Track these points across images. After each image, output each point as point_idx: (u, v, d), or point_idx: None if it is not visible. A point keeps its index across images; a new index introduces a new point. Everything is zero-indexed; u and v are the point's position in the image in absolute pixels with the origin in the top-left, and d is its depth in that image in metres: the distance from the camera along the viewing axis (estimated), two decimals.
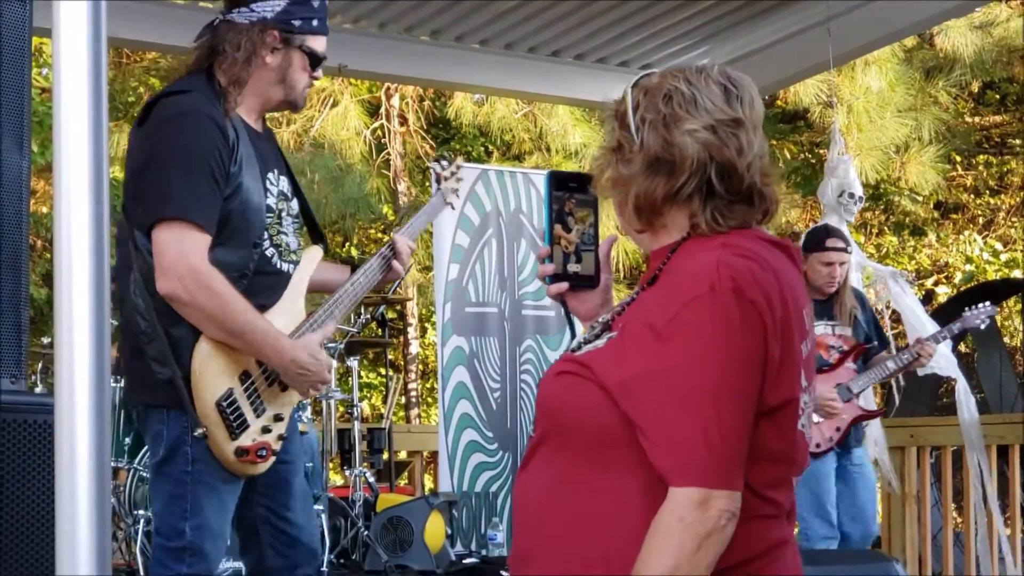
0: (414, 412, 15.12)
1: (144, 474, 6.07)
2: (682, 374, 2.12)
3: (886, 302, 7.63)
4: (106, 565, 1.60)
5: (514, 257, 7.76)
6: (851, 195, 7.35)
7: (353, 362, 7.32)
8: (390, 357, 10.25)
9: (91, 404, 1.60)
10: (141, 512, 6.03)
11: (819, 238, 6.57)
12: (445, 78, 8.03)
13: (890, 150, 13.22)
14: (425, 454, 8.98)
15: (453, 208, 4.74)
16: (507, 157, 14.73)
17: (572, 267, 2.45)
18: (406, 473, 8.93)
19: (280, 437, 3.65)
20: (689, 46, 7.73)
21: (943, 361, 7.11)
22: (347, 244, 15.87)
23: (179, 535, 3.53)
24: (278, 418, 3.66)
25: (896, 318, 8.17)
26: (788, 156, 15.23)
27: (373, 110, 14.40)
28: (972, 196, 16.25)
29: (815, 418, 6.31)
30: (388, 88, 14.14)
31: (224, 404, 3.53)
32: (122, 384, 6.26)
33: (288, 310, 3.70)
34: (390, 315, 8.66)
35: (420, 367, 15.50)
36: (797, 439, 2.24)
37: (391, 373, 8.84)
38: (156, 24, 6.76)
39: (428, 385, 15.81)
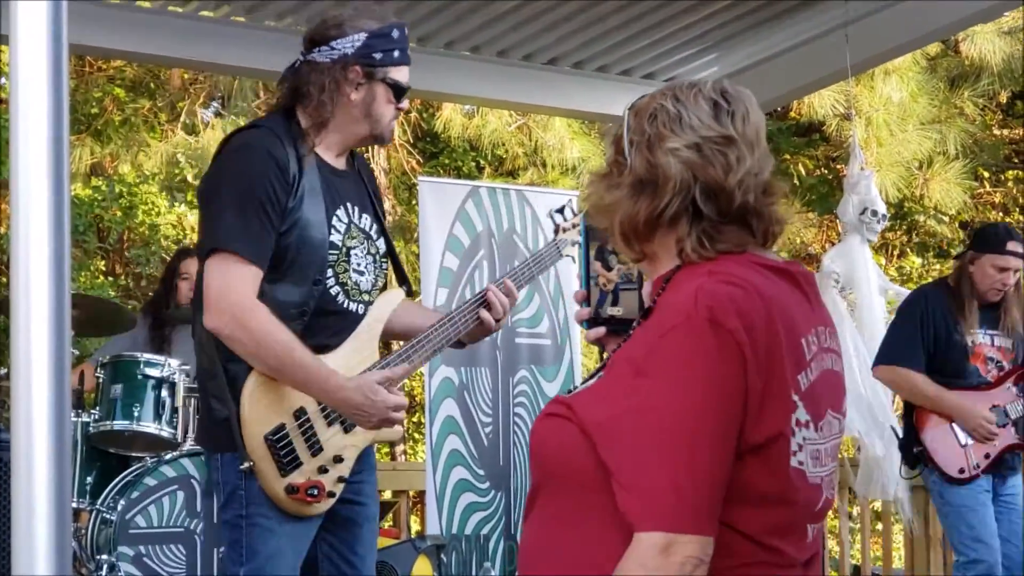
0: (399, 448, 15.09)
1: (107, 516, 6.05)
2: (654, 411, 2.13)
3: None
4: None
5: None
6: (874, 213, 7.35)
7: None
8: None
9: (50, 441, 1.59)
10: (105, 557, 6.01)
11: (998, 238, 6.35)
12: (433, 88, 8.02)
13: (912, 165, 13.25)
14: (412, 494, 8.97)
15: (574, 261, 4.60)
16: (500, 173, 14.75)
17: (611, 310, 2.46)
18: (391, 514, 8.90)
19: (340, 479, 3.82)
20: (696, 53, 7.73)
21: None
22: None
23: None
24: (338, 459, 3.82)
25: None
26: (803, 172, 15.25)
27: None
28: (1001, 214, 16.27)
29: (964, 439, 6.23)
30: None
31: (273, 439, 3.71)
32: (83, 419, 6.26)
33: (358, 351, 3.88)
34: None
35: (407, 399, 15.45)
36: (792, 478, 2.22)
37: None
38: (121, 30, 6.78)
39: (415, 419, 15.78)
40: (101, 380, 6.33)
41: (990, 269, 6.26)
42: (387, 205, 14.48)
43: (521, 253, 7.76)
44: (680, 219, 2.27)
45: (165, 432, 6.14)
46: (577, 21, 7.23)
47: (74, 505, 6.21)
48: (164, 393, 6.18)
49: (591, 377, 2.34)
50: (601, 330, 2.46)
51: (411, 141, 14.61)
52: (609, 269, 2.47)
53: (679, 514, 2.10)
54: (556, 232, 4.52)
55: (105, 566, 5.96)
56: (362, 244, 3.93)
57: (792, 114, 14.53)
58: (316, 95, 3.82)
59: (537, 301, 7.76)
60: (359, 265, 3.91)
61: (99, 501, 6.17)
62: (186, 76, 14.49)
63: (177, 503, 5.95)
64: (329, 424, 3.81)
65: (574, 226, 4.48)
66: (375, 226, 4.00)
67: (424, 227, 7.70)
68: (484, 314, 4.10)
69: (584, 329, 2.49)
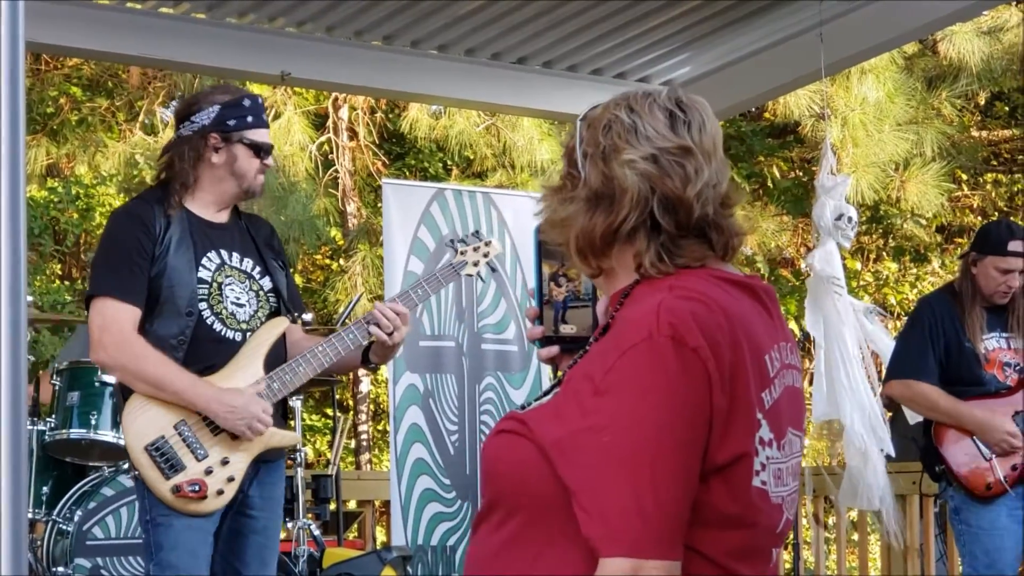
0: (364, 457, 15.08)
1: (63, 527, 6.04)
2: (616, 431, 2.11)
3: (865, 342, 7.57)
4: None
5: (473, 286, 7.76)
6: (849, 219, 7.35)
7: (296, 402, 7.29)
8: (338, 396, 10.24)
9: (6, 450, 1.60)
10: (61, 569, 6.00)
11: (1000, 238, 6.17)
12: (399, 87, 8.03)
13: (889, 167, 13.29)
14: (377, 504, 8.96)
15: (483, 280, 5.65)
16: (467, 175, 14.75)
17: (564, 328, 2.44)
18: (356, 525, 8.90)
19: (230, 479, 4.52)
20: (668, 53, 7.75)
21: None
22: (291, 271, 15.82)
23: None
24: (225, 462, 4.52)
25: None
26: (777, 174, 15.29)
27: (319, 123, 14.40)
28: (979, 218, 16.34)
29: (988, 452, 6.02)
30: (336, 99, 14.14)
31: (152, 449, 4.46)
32: (39, 427, 6.25)
33: (241, 370, 4.60)
34: None
35: (371, 407, 15.46)
36: (754, 499, 2.21)
37: (339, 414, 8.80)
38: (78, 27, 6.77)
39: (380, 427, 15.77)
40: (57, 387, 6.32)
41: (993, 271, 6.11)
42: (352, 207, 14.48)
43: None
44: (638, 233, 2.26)
45: (123, 441, 6.13)
46: (546, 19, 7.24)
47: (29, 516, 6.19)
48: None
49: (546, 393, 2.33)
50: (554, 349, 2.44)
51: (376, 142, 14.60)
52: (560, 287, 2.46)
53: (645, 538, 2.09)
54: (454, 249, 5.20)
55: None
56: (240, 282, 4.70)
57: (766, 115, 14.57)
58: (180, 163, 4.66)
59: (503, 307, 7.76)
60: (238, 299, 4.67)
61: (55, 512, 6.16)
62: (145, 75, 14.46)
63: (135, 514, 5.95)
64: (215, 432, 4.53)
65: (475, 250, 5.19)
66: (258, 268, 4.77)
67: (388, 230, 7.70)
68: (375, 330, 4.70)
69: (537, 348, 2.47)
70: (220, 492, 4.50)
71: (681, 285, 2.23)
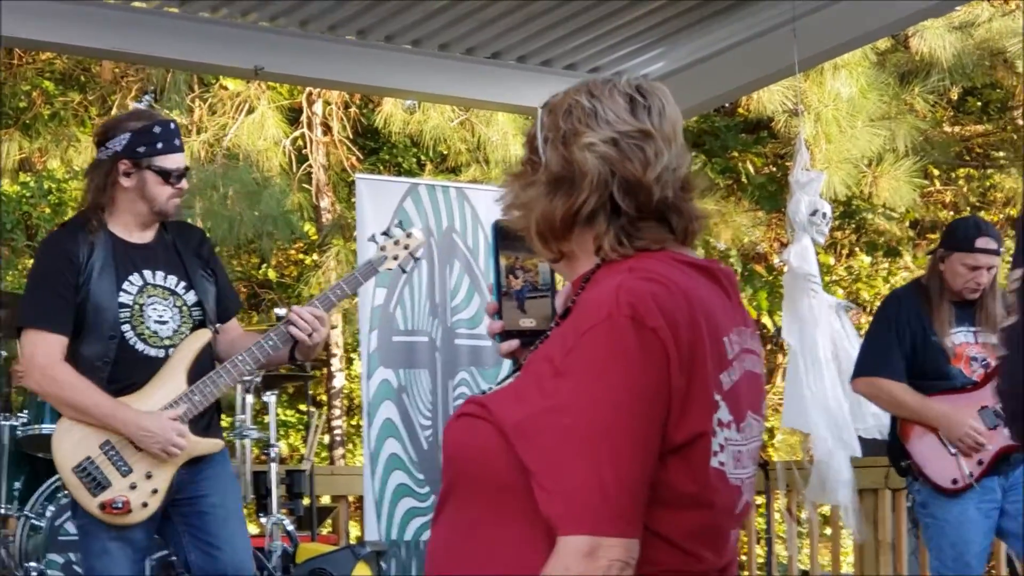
0: (338, 452, 15.06)
1: (36, 522, 6.03)
2: (575, 412, 2.13)
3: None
4: None
5: (446, 281, 7.76)
6: (824, 215, 7.36)
7: (271, 397, 7.29)
8: (312, 391, 10.23)
9: None
10: (33, 564, 5.98)
11: (967, 235, 6.15)
12: (373, 82, 8.02)
13: (862, 163, 13.32)
14: (350, 499, 8.95)
15: (405, 271, 5.67)
16: (441, 170, 14.75)
17: (524, 322, 2.44)
18: (329, 520, 8.90)
19: (153, 491, 4.84)
20: (642, 48, 7.76)
21: None
22: (264, 266, 15.82)
23: None
24: (148, 476, 4.83)
25: None
26: (751, 169, 15.31)
27: (293, 118, 14.38)
28: (951, 213, 16.40)
29: (952, 448, 6.03)
30: (310, 93, 14.11)
31: (79, 470, 4.79)
32: (11, 422, 6.23)
33: (163, 386, 4.89)
34: None
35: (345, 402, 15.45)
36: (711, 479, 2.23)
37: (313, 409, 8.80)
38: (50, 21, 6.73)
39: (354, 422, 15.76)
40: None
41: (960, 268, 6.12)
42: (326, 202, 14.46)
43: (461, 252, 7.77)
44: (598, 216, 2.28)
45: None
46: (521, 15, 7.24)
47: (1, 511, 6.18)
48: None
49: (507, 377, 2.34)
50: (514, 343, 2.44)
51: (350, 137, 14.58)
52: (518, 279, 2.46)
53: (604, 516, 2.11)
54: (378, 249, 5.39)
55: (34, 573, 5.94)
56: (163, 299, 4.97)
57: (740, 111, 14.59)
58: (96, 187, 4.95)
59: (477, 302, 7.77)
60: (160, 317, 4.94)
61: (27, 507, 6.15)
62: (117, 69, 14.41)
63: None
64: (139, 449, 4.81)
65: (395, 243, 5.38)
66: (182, 283, 5.01)
67: (362, 225, 7.69)
68: (294, 330, 4.96)
69: (497, 343, 2.48)
70: (145, 505, 4.84)
71: (641, 267, 2.25)
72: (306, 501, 7.73)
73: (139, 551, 4.94)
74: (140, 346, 4.89)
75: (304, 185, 14.28)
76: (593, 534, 2.10)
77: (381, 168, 14.84)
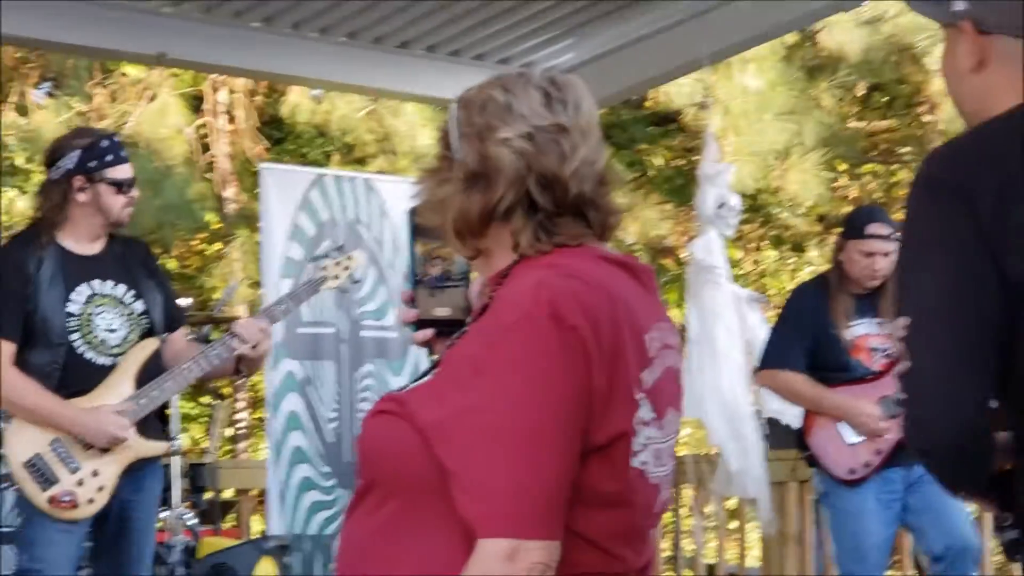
0: (242, 445, 14.98)
1: None
2: (495, 412, 2.11)
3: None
4: None
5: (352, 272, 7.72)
6: (731, 207, 7.40)
7: None
8: (215, 384, 10.12)
9: None
10: None
11: (860, 222, 6.30)
12: (279, 70, 7.97)
13: (769, 157, 13.41)
14: (254, 492, 8.89)
15: (345, 292, 6.21)
16: (348, 160, 14.67)
17: (438, 311, 2.43)
18: (232, 514, 8.83)
19: (100, 488, 5.12)
20: (552, 39, 7.75)
21: None
22: (165, 256, 15.68)
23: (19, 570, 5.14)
24: (95, 473, 5.11)
25: None
26: (659, 163, 15.37)
27: (196, 105, 14.26)
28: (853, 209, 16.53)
29: (853, 438, 6.15)
30: (214, 81, 14.01)
31: (29, 465, 5.08)
32: None
33: (111, 391, 5.18)
34: (215, 336, 8.58)
35: (249, 394, 15.36)
36: (632, 479, 2.23)
37: (216, 402, 8.73)
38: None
39: (258, 415, 15.66)
40: None
41: (856, 255, 6.22)
42: (230, 192, 14.36)
43: (366, 243, 7.74)
44: (514, 212, 2.27)
45: None
46: (430, 3, 7.21)
47: None
48: None
49: (424, 374, 2.32)
50: (429, 332, 2.43)
51: (256, 126, 14.49)
52: (435, 268, 2.44)
53: (524, 519, 2.09)
54: (319, 269, 5.72)
55: None
56: (112, 308, 5.27)
57: (648, 104, 14.63)
58: (51, 205, 5.25)
59: (383, 293, 7.74)
60: (110, 325, 5.24)
61: None
62: (18, 55, 14.22)
63: (7, 502, 5.85)
64: (87, 447, 5.11)
65: (336, 264, 5.70)
66: (130, 292, 5.32)
67: (266, 216, 7.64)
68: (237, 344, 5.26)
69: (411, 331, 2.45)
70: (91, 500, 5.13)
71: (561, 263, 2.23)
72: (209, 495, 7.67)
73: (80, 548, 5.23)
74: (89, 355, 5.20)
75: (207, 174, 14.16)
76: (514, 537, 2.09)
77: (286, 158, 14.73)
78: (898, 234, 6.15)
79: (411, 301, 2.44)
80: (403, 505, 2.21)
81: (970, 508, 6.39)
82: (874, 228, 6.22)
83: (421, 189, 2.37)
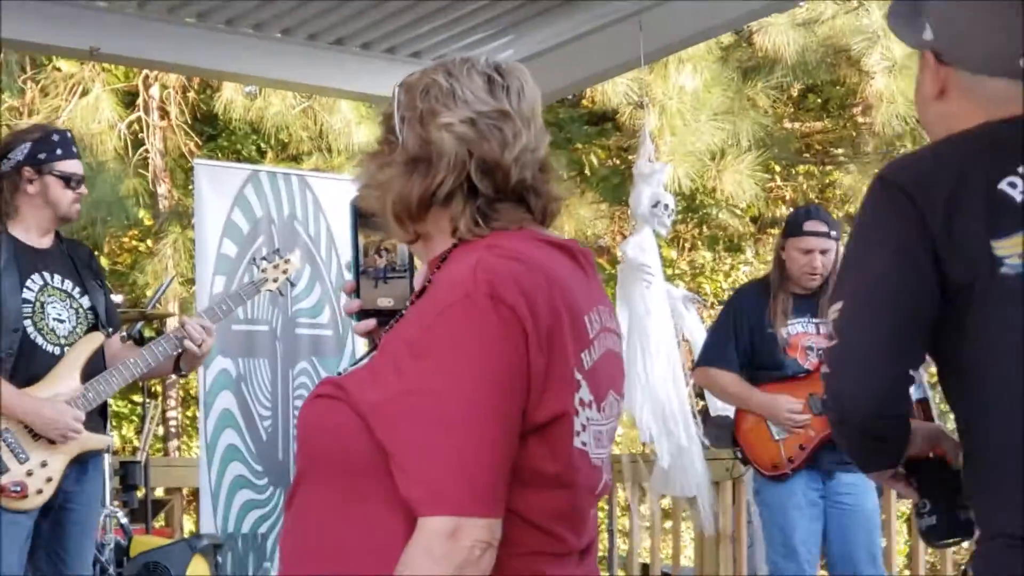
0: (173, 444, 14.91)
1: None
2: (435, 392, 2.12)
3: (680, 331, 7.70)
4: None
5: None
6: (666, 206, 7.43)
7: None
8: (147, 381, 10.04)
9: None
10: None
11: (797, 220, 6.40)
12: (213, 66, 7.93)
13: (705, 156, 13.47)
14: (186, 491, 8.86)
15: (282, 295, 6.50)
16: (282, 158, 14.63)
17: (382, 301, 2.43)
18: (163, 514, 8.79)
19: (48, 479, 5.18)
20: (488, 36, 7.75)
21: None
22: (97, 254, 15.56)
23: None
24: (44, 464, 5.18)
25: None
26: (595, 162, 15.41)
27: (129, 101, 14.18)
28: (792, 209, 16.63)
29: (776, 435, 6.24)
30: (147, 76, 13.92)
31: None
32: None
33: (60, 380, 5.24)
34: (148, 333, 8.53)
35: (181, 392, 15.28)
36: (574, 459, 2.24)
37: (148, 399, 8.68)
38: None
39: (190, 413, 15.60)
40: None
41: (795, 253, 6.28)
42: (163, 189, 14.28)
43: (302, 240, 7.72)
44: (455, 197, 2.28)
45: None
46: (365, 1, 7.20)
47: None
48: None
49: (363, 358, 2.33)
50: (371, 322, 2.43)
51: (189, 122, 14.42)
52: (378, 260, 2.45)
53: (466, 497, 2.10)
54: (259, 271, 5.92)
55: None
56: (61, 300, 5.34)
57: (584, 102, 14.68)
58: (0, 196, 5.32)
59: (319, 291, 7.72)
60: (59, 316, 5.31)
61: None
62: None
63: None
64: (35, 438, 5.17)
65: (275, 267, 5.86)
66: (77, 288, 5.40)
67: (200, 212, 7.61)
68: (187, 343, 5.36)
69: (354, 322, 2.46)
70: (40, 491, 5.18)
71: (499, 245, 2.24)
72: (140, 493, 7.62)
73: (27, 539, 5.23)
74: (40, 341, 5.26)
75: (140, 170, 14.07)
76: (456, 515, 2.09)
77: (220, 155, 14.70)
78: (835, 232, 6.29)
79: (354, 291, 2.44)
80: (342, 488, 2.21)
81: (882, 542, 6.58)
82: (812, 225, 6.30)
83: (362, 172, 2.38)
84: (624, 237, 8.95)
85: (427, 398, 2.12)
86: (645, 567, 9.29)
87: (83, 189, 5.46)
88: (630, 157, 14.27)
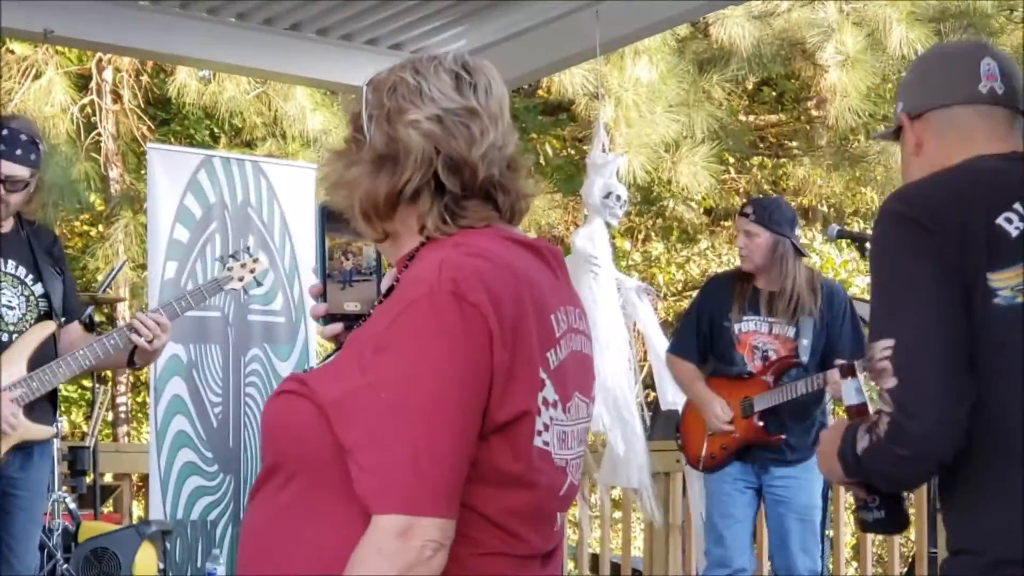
0: (123, 430, 14.84)
1: None
2: (393, 387, 2.12)
3: (633, 321, 7.74)
4: None
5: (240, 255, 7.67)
6: (618, 197, 7.45)
7: None
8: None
9: None
10: None
11: (741, 208, 6.61)
12: (166, 50, 7.88)
13: (660, 148, 13.50)
14: (135, 477, 8.83)
15: (247, 293, 6.34)
16: (236, 143, 14.58)
17: (349, 305, 2.42)
18: (112, 499, 8.76)
19: None
20: (445, 25, 7.75)
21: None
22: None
23: None
24: None
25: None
26: (550, 152, 15.43)
27: (82, 84, 14.08)
28: (745, 202, 16.66)
29: (708, 430, 6.33)
30: (100, 59, 13.84)
31: None
32: None
33: (6, 368, 5.15)
34: (99, 318, 8.50)
35: (131, 378, 15.22)
36: (535, 459, 2.24)
37: (98, 384, 8.64)
38: None
39: (140, 399, 15.54)
40: None
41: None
42: (114, 173, 14.20)
43: (256, 226, 7.70)
44: (422, 194, 2.28)
45: None
46: None
47: None
48: None
49: (330, 356, 2.33)
50: (338, 327, 2.41)
51: (142, 106, 14.34)
52: (345, 263, 2.44)
53: (419, 496, 2.09)
54: (224, 269, 5.79)
55: None
56: (12, 287, 5.31)
57: (540, 92, 14.69)
58: None
59: (271, 278, 7.70)
60: (9, 302, 5.29)
61: None
62: None
63: None
64: None
65: (242, 266, 5.74)
66: (31, 275, 5.36)
67: (152, 197, 7.58)
68: (135, 337, 5.26)
69: (320, 326, 2.45)
70: None
71: (466, 243, 2.24)
72: (89, 479, 7.59)
73: None
74: None
75: (92, 154, 13.99)
76: (407, 513, 2.09)
77: (173, 139, 14.62)
78: (759, 216, 6.37)
79: (321, 295, 2.44)
80: (306, 484, 2.21)
81: (829, 533, 6.73)
82: (745, 209, 6.49)
83: (329, 171, 2.37)
84: (578, 227, 8.96)
85: (385, 392, 2.11)
86: (595, 557, 9.31)
87: (18, 196, 5.32)
88: (585, 148, 14.30)
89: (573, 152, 15.63)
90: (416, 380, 2.12)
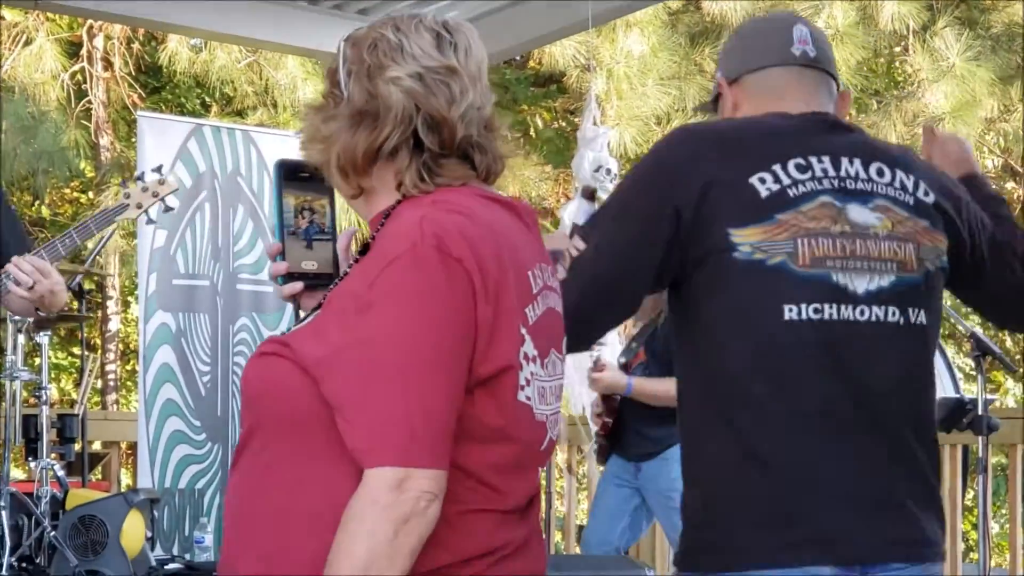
0: (112, 398, 14.85)
1: None
2: (381, 344, 2.13)
3: None
4: None
5: (230, 224, 7.68)
6: (608, 170, 7.45)
7: (43, 338, 7.12)
8: (86, 334, 10.04)
9: None
10: None
11: None
12: (158, 18, 7.86)
13: (651, 121, 13.49)
14: (123, 445, 8.85)
15: (153, 221, 5.57)
16: (227, 112, 14.56)
17: (307, 264, 2.42)
18: (100, 467, 8.77)
19: None
20: None
21: None
22: (37, 204, 15.46)
23: None
24: None
25: None
26: (540, 124, 15.41)
27: (73, 51, 14.06)
28: None
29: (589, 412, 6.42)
30: (91, 26, 13.81)
31: None
32: None
33: None
34: (88, 286, 8.51)
35: (120, 346, 15.22)
36: (518, 413, 2.25)
37: (87, 352, 8.66)
38: None
39: (129, 367, 15.54)
40: None
41: None
42: (105, 140, 14.18)
43: (245, 196, 7.70)
44: (400, 152, 2.28)
45: None
46: None
47: None
48: None
49: (307, 317, 2.33)
50: (298, 285, 2.42)
51: (133, 73, 14.31)
52: (303, 223, 2.44)
53: (412, 447, 2.10)
54: (121, 195, 5.31)
55: None
56: None
57: (531, 64, 14.66)
58: None
59: (261, 247, 7.70)
60: None
61: None
62: None
63: None
64: None
65: (143, 190, 5.23)
66: None
67: (143, 165, 7.53)
68: (11, 285, 4.59)
69: (279, 284, 2.44)
70: None
71: (444, 199, 2.25)
72: (77, 446, 7.60)
73: None
74: None
75: (83, 122, 13.97)
76: (402, 465, 2.09)
77: (163, 108, 14.60)
78: None
79: (280, 254, 2.43)
80: (288, 445, 2.21)
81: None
82: None
83: (306, 125, 2.37)
84: (569, 200, 8.95)
85: (373, 349, 2.12)
86: (581, 529, 9.34)
87: None
88: (576, 120, 14.28)
89: (564, 124, 15.62)
90: (404, 335, 2.12)
